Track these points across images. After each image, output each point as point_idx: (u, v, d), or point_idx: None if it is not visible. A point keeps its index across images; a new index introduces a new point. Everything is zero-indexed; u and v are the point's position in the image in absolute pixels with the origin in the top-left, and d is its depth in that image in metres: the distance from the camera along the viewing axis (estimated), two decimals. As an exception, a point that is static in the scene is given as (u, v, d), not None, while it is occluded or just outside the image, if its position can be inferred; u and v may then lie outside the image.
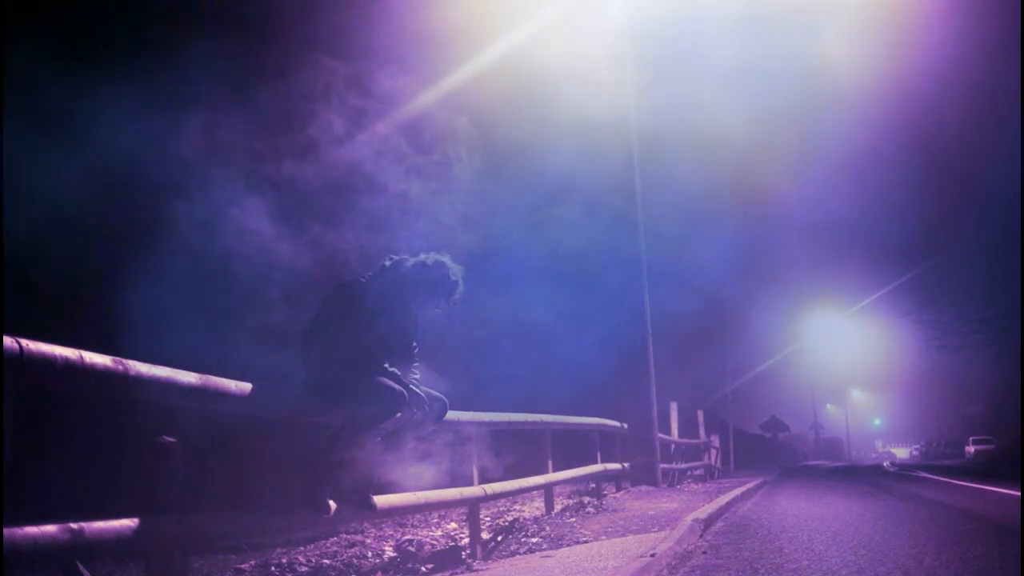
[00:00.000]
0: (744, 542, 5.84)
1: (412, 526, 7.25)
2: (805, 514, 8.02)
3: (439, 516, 7.79)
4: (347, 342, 4.12)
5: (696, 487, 13.15)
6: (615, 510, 8.30)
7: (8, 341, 2.47)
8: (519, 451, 7.03)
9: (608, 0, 12.65)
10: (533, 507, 8.70)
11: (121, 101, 6.38)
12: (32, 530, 2.50)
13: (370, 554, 5.73)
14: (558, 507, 8.33)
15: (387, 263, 4.46)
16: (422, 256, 4.48)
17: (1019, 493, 9.33)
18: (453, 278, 4.46)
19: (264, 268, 5.69)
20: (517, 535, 6.30)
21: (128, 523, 2.88)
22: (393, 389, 4.14)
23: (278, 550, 6.00)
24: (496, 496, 6.28)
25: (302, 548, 6.06)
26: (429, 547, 5.85)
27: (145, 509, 3.01)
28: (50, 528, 2.56)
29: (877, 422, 76.91)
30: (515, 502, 9.10)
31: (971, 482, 13.48)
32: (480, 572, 4.84)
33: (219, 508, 3.62)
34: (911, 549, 5.21)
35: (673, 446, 14.41)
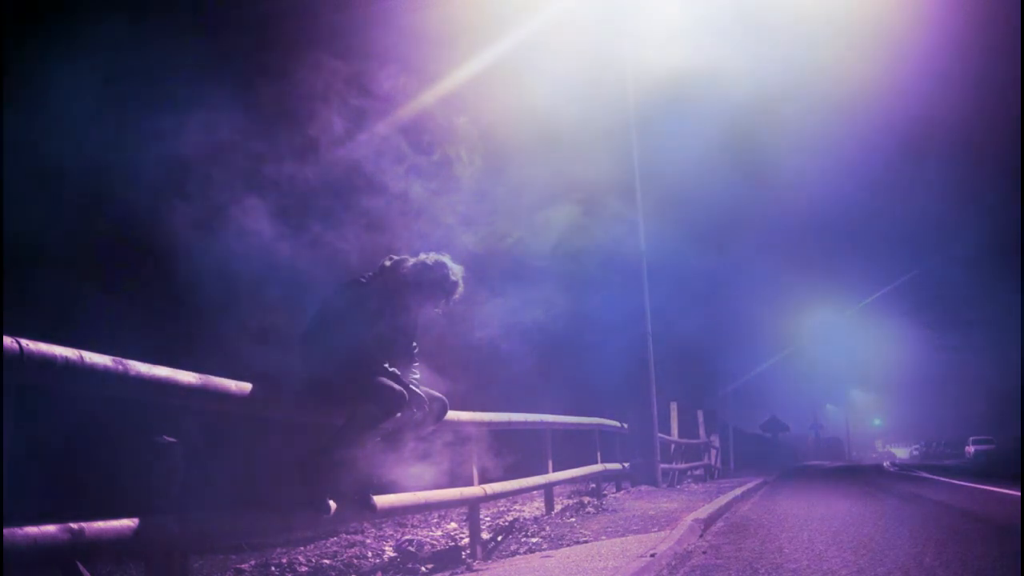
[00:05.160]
0: (744, 542, 5.84)
1: (412, 526, 7.24)
2: (805, 514, 8.01)
3: (439, 516, 7.78)
4: (347, 342, 4.12)
5: (696, 487, 13.15)
6: (615, 510, 8.30)
7: (8, 341, 2.47)
8: (519, 451, 7.02)
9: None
10: (533, 507, 8.69)
11: (119, 100, 6.38)
12: (32, 530, 2.50)
13: (370, 554, 5.73)
14: (558, 507, 8.33)
15: (387, 263, 4.46)
16: (422, 256, 4.48)
17: (1019, 493, 9.32)
18: (453, 278, 4.46)
19: (264, 268, 5.68)
20: (517, 535, 6.30)
21: (128, 523, 2.88)
22: (393, 389, 4.14)
23: (278, 550, 5.99)
24: (496, 496, 6.28)
25: (302, 548, 6.06)
26: (429, 547, 5.85)
27: (145, 509, 3.01)
28: (50, 528, 2.56)
29: (877, 422, 76.75)
30: (515, 502, 9.09)
31: (971, 482, 13.48)
32: (480, 572, 4.84)
33: (219, 508, 3.62)
34: (911, 549, 5.20)
35: (673, 446, 14.41)
